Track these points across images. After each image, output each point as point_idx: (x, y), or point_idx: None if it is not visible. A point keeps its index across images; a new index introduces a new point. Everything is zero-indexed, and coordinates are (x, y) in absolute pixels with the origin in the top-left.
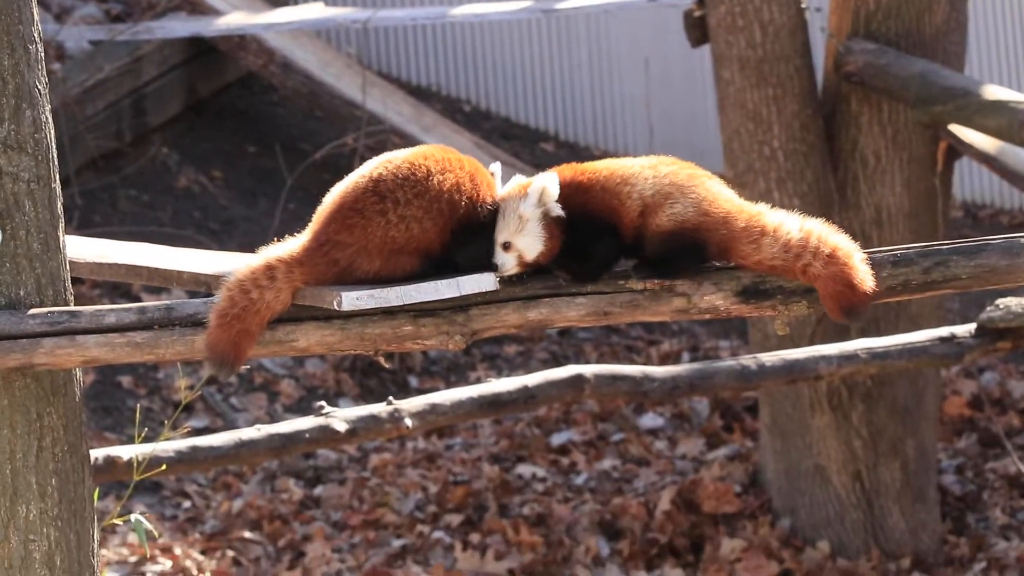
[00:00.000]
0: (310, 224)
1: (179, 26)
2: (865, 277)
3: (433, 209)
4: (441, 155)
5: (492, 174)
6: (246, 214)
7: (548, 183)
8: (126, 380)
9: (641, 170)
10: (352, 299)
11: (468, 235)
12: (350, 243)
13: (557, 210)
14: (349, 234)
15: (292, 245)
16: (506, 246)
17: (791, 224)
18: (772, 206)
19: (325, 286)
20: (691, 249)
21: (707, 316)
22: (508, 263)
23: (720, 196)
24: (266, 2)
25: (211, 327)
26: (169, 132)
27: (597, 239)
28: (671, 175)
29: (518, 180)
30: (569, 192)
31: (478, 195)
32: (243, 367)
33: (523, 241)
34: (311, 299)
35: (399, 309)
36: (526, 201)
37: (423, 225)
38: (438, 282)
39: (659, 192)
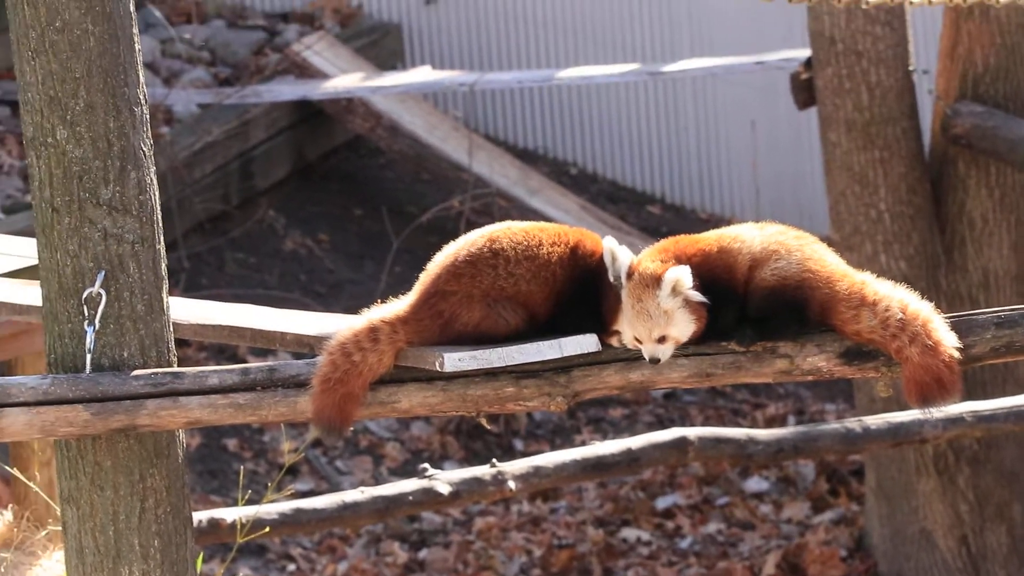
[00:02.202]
0: (415, 286)
1: (287, 89)
2: (957, 380)
3: (541, 275)
4: (553, 229)
5: (604, 246)
6: (352, 277)
7: (680, 275)
8: (232, 443)
9: (750, 230)
10: (454, 360)
11: (572, 305)
12: (456, 291)
13: (697, 296)
14: (457, 282)
15: (395, 306)
16: (661, 339)
17: (895, 301)
18: (879, 271)
19: (427, 347)
20: (791, 307)
21: (810, 378)
22: (666, 352)
23: (825, 258)
24: (374, 65)
25: (315, 392)
26: (276, 195)
27: (723, 303)
28: (778, 234)
29: (627, 256)
30: (697, 262)
31: (578, 268)
32: (349, 430)
33: (676, 330)
34: (413, 360)
35: (501, 371)
36: (661, 294)
37: (530, 287)
38: (540, 343)
39: (766, 249)
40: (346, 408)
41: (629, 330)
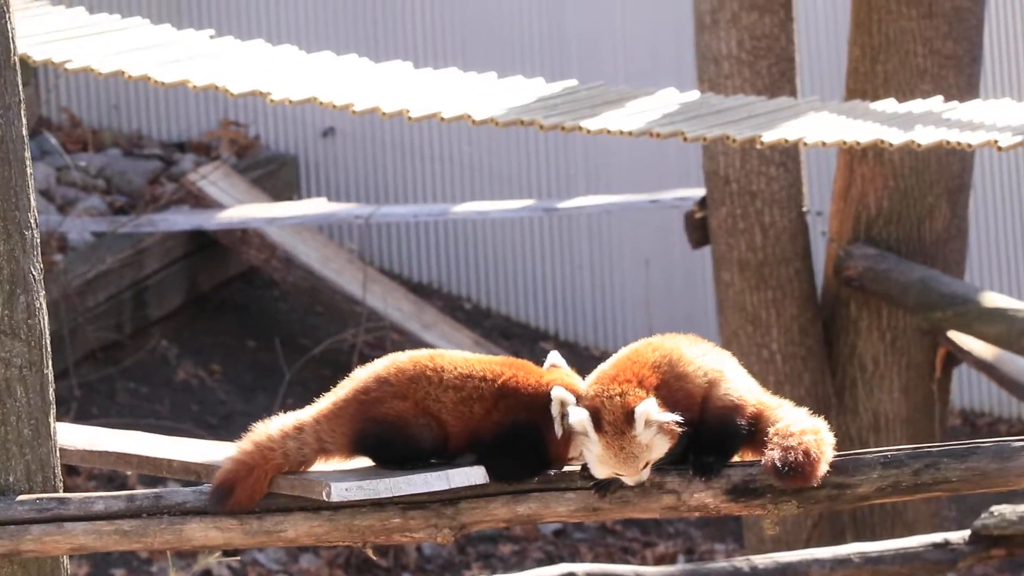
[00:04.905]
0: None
1: (181, 219)
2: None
3: (458, 410)
4: (493, 365)
5: (553, 396)
6: (244, 408)
7: (648, 408)
8: (119, 573)
9: (688, 346)
10: (341, 490)
11: (498, 446)
12: (393, 384)
13: (670, 418)
14: (397, 376)
15: (313, 407)
16: (644, 465)
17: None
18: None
19: (314, 476)
20: (743, 427)
21: (696, 514)
22: (647, 473)
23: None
24: (270, 197)
25: (224, 463)
26: (169, 325)
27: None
28: (710, 350)
29: (564, 395)
30: (659, 394)
31: (502, 409)
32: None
33: (655, 454)
34: (300, 489)
35: (388, 501)
36: (635, 431)
37: (449, 417)
38: (428, 474)
39: (713, 368)
40: (248, 485)
41: (609, 470)
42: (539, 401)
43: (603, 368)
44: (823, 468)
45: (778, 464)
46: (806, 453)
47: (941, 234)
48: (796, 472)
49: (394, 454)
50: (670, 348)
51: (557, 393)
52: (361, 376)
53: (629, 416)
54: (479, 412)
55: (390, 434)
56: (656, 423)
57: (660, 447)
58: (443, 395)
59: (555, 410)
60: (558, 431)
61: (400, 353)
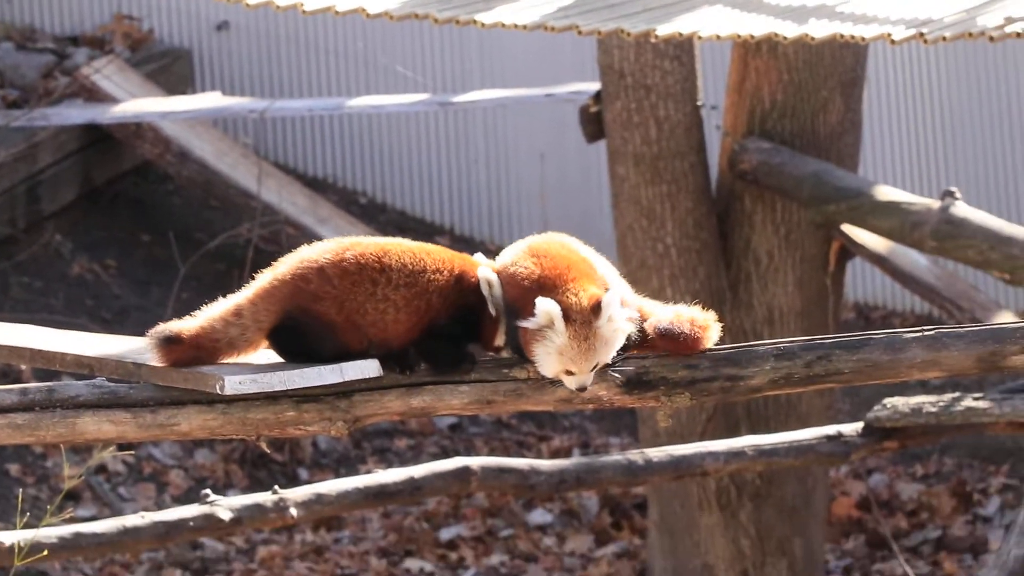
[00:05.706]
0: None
1: (75, 113)
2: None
3: (413, 304)
4: (438, 255)
5: (480, 276)
6: (139, 303)
7: (613, 300)
8: (14, 468)
9: (582, 247)
10: (235, 383)
11: (444, 333)
12: (335, 287)
13: (628, 312)
14: (340, 279)
15: (249, 287)
16: (594, 367)
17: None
18: (665, 303)
19: (208, 369)
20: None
21: (591, 407)
22: (591, 377)
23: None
24: (164, 91)
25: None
26: (63, 219)
27: None
28: (597, 257)
29: (490, 276)
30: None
31: (456, 297)
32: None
33: (607, 356)
34: (194, 382)
35: (282, 394)
36: (599, 322)
37: (397, 316)
38: (321, 368)
39: (603, 268)
40: (187, 354)
41: (563, 366)
42: (477, 284)
43: (518, 262)
44: (709, 338)
45: (664, 327)
46: (692, 321)
47: (835, 128)
48: (682, 335)
49: (303, 349)
50: (576, 246)
51: (483, 273)
52: (306, 259)
53: (596, 307)
54: (437, 303)
55: (310, 331)
56: (618, 317)
57: (613, 347)
58: (393, 293)
59: (485, 290)
60: (492, 311)
61: (349, 245)
